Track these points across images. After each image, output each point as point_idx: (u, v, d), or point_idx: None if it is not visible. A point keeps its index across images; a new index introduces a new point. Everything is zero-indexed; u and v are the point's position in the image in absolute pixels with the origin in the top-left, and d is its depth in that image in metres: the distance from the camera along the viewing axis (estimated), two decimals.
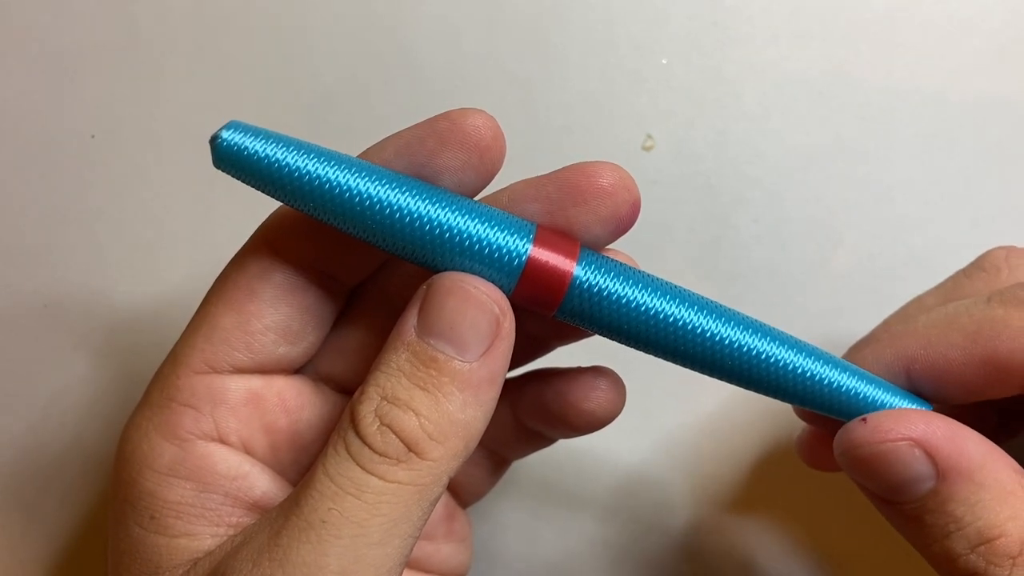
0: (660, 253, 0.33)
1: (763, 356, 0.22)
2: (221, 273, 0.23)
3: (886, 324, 0.28)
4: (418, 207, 0.20)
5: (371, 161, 0.22)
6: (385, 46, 0.33)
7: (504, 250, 0.21)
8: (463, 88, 0.33)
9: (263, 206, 0.23)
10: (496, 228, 0.21)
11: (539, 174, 0.22)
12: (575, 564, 0.32)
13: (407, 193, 0.20)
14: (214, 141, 0.20)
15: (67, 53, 0.33)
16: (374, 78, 0.33)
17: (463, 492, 0.28)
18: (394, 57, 0.33)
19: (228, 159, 0.20)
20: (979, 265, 0.27)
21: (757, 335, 0.22)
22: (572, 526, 0.32)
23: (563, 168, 0.22)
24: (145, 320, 0.32)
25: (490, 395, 0.21)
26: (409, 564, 0.25)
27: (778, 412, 0.32)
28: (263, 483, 0.22)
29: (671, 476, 0.32)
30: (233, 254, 0.23)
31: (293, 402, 0.23)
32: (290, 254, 0.22)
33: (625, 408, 0.25)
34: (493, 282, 0.21)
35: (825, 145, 0.33)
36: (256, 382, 0.23)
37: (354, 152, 0.22)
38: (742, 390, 0.23)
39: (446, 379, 0.20)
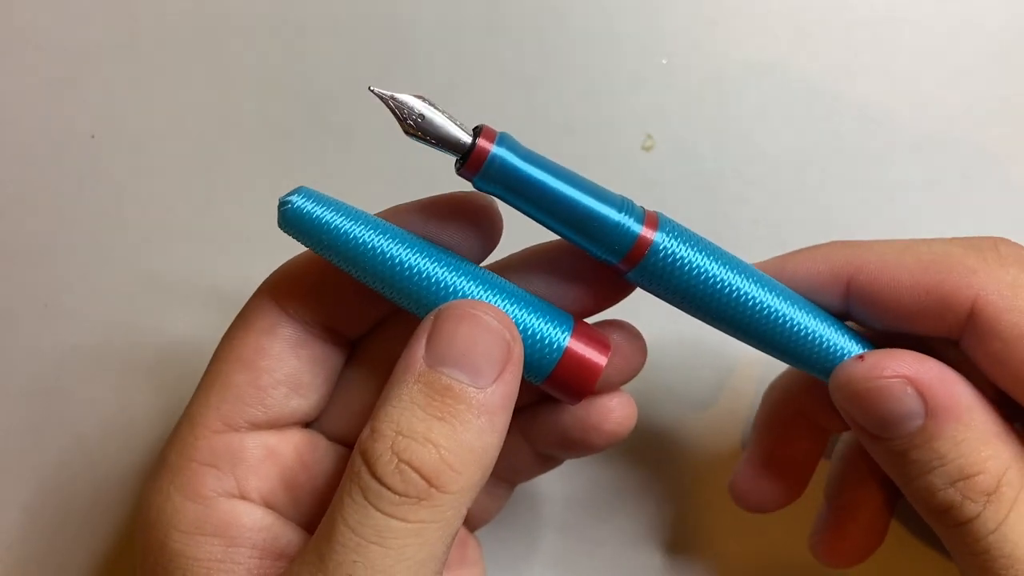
0: None
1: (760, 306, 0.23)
2: (227, 331, 0.23)
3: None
4: (473, 290, 0.21)
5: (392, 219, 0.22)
6: (385, 46, 0.33)
7: (544, 338, 0.22)
8: (463, 88, 0.33)
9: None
10: (538, 316, 0.22)
11: None
12: (577, 565, 0.32)
13: (457, 273, 0.21)
14: (282, 206, 0.21)
15: (67, 53, 0.33)
16: (374, 78, 0.33)
17: (471, 518, 0.28)
18: (394, 57, 0.33)
19: (293, 223, 0.21)
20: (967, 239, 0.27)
21: (762, 287, 0.23)
22: (575, 523, 0.32)
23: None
24: (144, 319, 0.32)
25: (503, 419, 0.20)
26: None
27: None
28: (288, 533, 0.22)
29: (673, 470, 0.32)
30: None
31: (310, 456, 0.23)
32: (295, 310, 0.23)
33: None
34: (529, 367, 0.22)
35: (825, 145, 0.33)
36: (272, 438, 0.23)
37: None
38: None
39: (463, 407, 0.20)
